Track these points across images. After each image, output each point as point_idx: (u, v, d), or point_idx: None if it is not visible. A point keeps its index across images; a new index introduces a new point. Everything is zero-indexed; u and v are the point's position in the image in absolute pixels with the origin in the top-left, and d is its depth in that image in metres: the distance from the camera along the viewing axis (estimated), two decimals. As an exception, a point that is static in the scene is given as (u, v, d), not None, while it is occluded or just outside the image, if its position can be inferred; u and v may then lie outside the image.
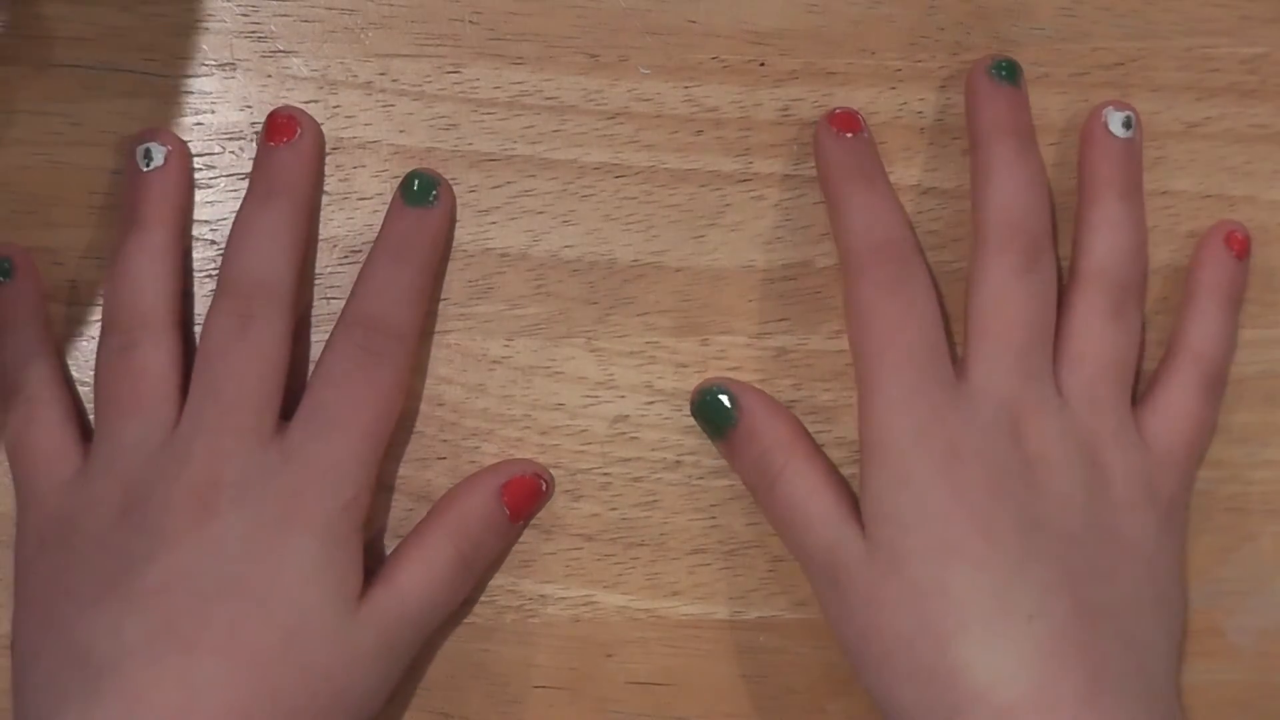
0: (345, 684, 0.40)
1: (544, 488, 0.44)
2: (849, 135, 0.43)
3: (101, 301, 0.44)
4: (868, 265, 0.42)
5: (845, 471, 0.43)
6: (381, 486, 0.44)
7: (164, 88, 0.45)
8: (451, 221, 0.44)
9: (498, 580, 0.44)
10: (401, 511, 0.44)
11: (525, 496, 0.43)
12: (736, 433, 0.43)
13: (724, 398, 0.43)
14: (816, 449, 0.43)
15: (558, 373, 0.44)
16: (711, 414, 0.43)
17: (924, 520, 0.39)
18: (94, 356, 0.43)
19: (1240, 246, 0.44)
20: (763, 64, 0.45)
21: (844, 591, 0.40)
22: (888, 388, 0.41)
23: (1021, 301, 0.41)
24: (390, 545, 0.44)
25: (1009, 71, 0.43)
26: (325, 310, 0.44)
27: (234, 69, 0.45)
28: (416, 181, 0.44)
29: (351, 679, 0.40)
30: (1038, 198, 0.42)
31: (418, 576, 0.41)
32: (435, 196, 0.43)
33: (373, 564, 0.42)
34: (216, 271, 0.44)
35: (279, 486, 0.40)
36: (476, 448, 0.44)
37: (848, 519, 0.41)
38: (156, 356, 0.42)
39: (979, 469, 0.40)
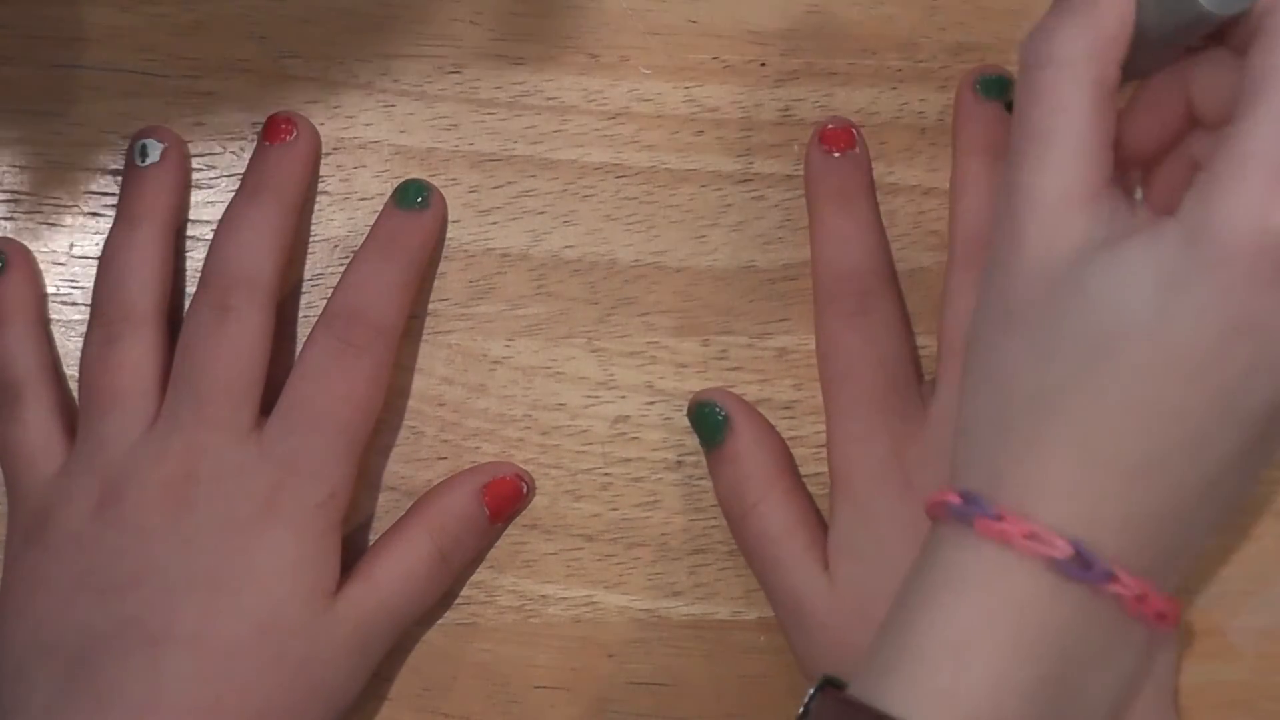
0: (318, 677, 0.40)
1: (525, 490, 0.44)
2: (837, 154, 0.43)
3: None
4: (832, 295, 0.43)
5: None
6: (382, 487, 0.44)
7: (164, 88, 0.45)
8: (442, 227, 0.44)
9: (499, 580, 0.44)
10: (401, 511, 0.44)
11: (506, 498, 0.43)
12: (721, 451, 0.43)
13: (717, 412, 0.43)
14: (798, 484, 0.43)
15: (559, 373, 0.44)
16: (702, 425, 0.43)
17: (883, 559, 0.39)
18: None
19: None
20: (764, 64, 0.45)
21: (808, 631, 0.41)
22: (848, 422, 0.41)
23: None
24: (390, 545, 0.44)
25: (993, 88, 0.43)
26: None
27: (234, 69, 0.45)
28: (408, 187, 0.44)
29: (325, 673, 0.40)
30: None
31: (395, 572, 0.42)
32: (426, 200, 0.44)
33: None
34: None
35: (255, 482, 0.40)
36: (477, 448, 0.44)
37: (816, 563, 0.41)
38: (137, 350, 0.42)
39: None
